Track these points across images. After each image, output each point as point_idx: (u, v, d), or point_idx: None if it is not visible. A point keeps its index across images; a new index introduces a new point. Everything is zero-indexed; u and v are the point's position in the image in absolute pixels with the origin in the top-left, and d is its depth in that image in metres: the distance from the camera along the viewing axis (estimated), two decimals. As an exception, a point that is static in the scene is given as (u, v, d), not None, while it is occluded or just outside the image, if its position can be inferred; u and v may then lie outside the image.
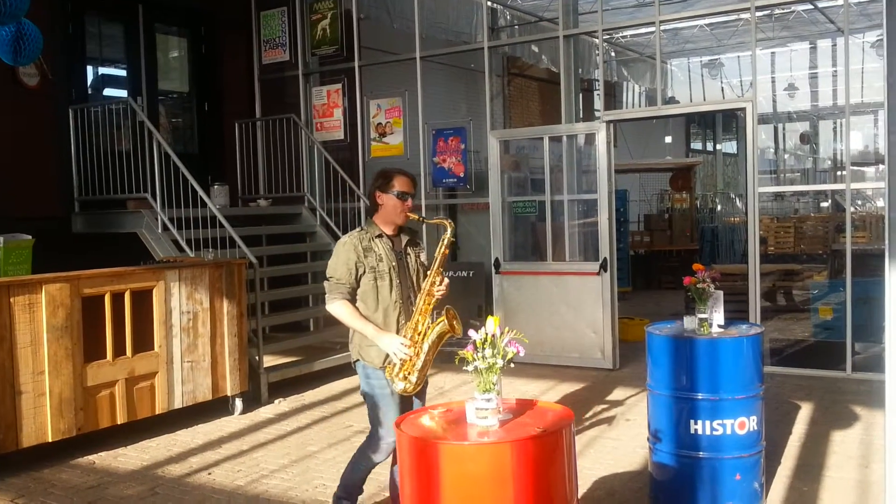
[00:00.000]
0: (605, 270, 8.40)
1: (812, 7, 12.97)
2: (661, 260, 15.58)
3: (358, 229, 4.17)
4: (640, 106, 17.97)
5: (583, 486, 4.87)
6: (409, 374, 3.92)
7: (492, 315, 3.74)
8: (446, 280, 4.04)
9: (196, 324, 6.63)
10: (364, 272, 4.02)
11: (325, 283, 4.09)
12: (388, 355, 3.96)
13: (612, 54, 16.41)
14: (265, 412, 7.06)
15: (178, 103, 10.68)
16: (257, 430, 6.52)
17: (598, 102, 15.01)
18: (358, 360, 4.14)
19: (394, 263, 4.06)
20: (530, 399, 3.30)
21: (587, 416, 6.58)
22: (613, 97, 17.39)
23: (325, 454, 5.82)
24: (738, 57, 17.21)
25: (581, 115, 9.37)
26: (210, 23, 10.43)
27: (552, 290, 8.65)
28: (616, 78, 17.15)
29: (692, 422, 4.38)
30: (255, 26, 10.59)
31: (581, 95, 9.93)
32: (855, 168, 13.02)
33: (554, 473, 2.81)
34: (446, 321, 3.86)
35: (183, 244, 7.80)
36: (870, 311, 7.36)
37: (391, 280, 4.03)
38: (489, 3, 10.19)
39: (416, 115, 9.61)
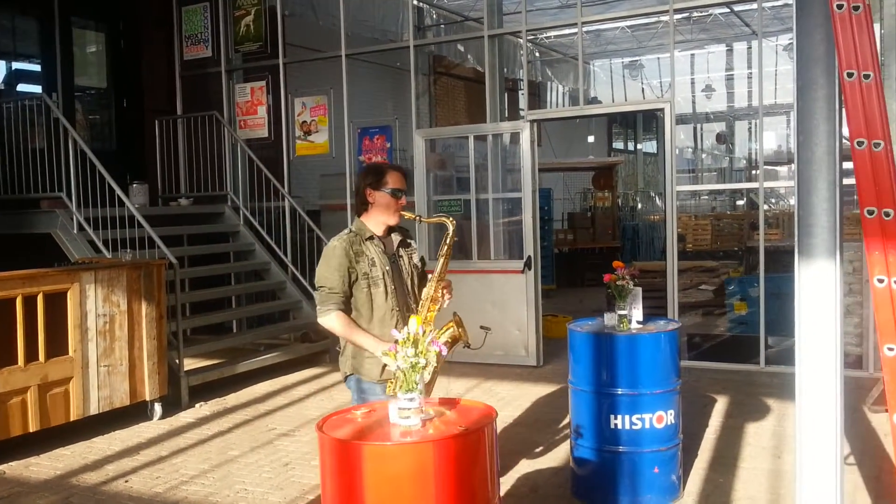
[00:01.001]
0: (530, 268, 8.50)
1: (728, 11, 13.38)
2: (585, 257, 15.82)
3: (346, 231, 3.78)
4: (563, 106, 18.24)
5: (506, 482, 4.92)
6: None
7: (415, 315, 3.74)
8: (451, 284, 3.78)
9: (113, 327, 6.45)
10: (357, 279, 3.67)
11: (316, 294, 3.73)
12: (385, 367, 3.57)
13: (537, 54, 16.64)
14: (185, 417, 6.91)
15: (96, 99, 10.38)
16: (177, 435, 6.38)
17: (523, 102, 15.19)
18: (352, 374, 3.79)
19: (387, 268, 3.73)
20: (454, 398, 3.31)
21: (510, 413, 6.64)
22: (538, 97, 17.60)
23: (248, 458, 5.73)
24: (658, 58, 17.65)
25: (506, 115, 9.45)
26: (129, 17, 10.16)
27: (477, 288, 8.71)
28: (540, 78, 17.38)
29: (612, 416, 4.47)
30: (177, 22, 10.34)
31: (506, 95, 10.00)
32: (768, 167, 13.46)
33: (476, 471, 2.82)
34: (455, 327, 3.66)
35: (100, 245, 7.58)
36: (782, 306, 7.60)
37: (386, 286, 3.70)
38: (415, 2, 10.19)
39: (342, 113, 9.54)
